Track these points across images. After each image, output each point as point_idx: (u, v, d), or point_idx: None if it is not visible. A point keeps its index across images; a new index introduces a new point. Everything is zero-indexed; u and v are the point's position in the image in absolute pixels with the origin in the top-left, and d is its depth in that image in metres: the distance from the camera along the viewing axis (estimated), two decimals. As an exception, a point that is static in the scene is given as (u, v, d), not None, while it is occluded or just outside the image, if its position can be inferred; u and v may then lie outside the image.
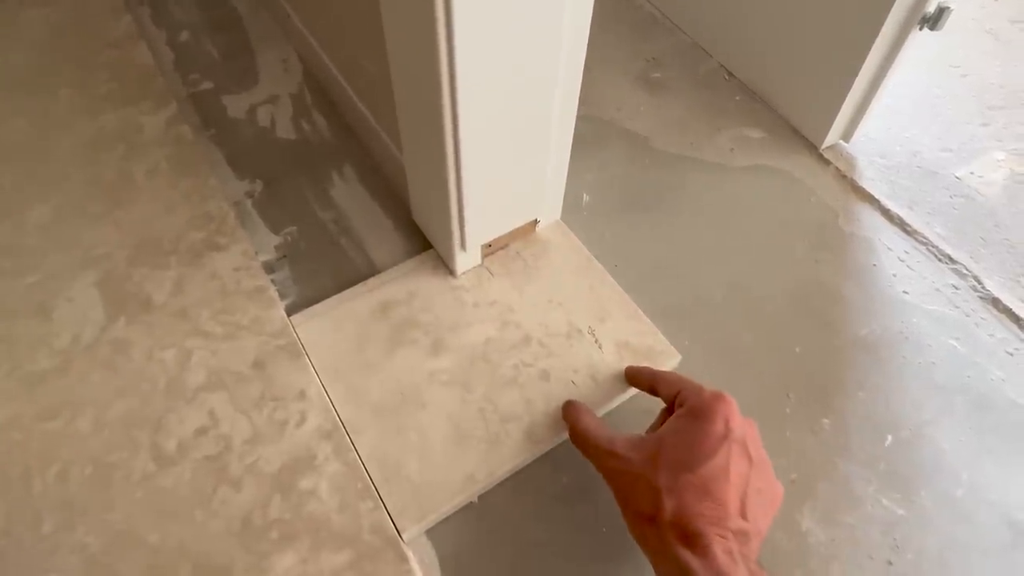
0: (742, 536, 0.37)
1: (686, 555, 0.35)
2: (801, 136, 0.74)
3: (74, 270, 0.60)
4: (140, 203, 0.65)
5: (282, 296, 0.60)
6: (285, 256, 0.63)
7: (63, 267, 0.60)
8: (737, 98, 0.78)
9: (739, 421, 0.41)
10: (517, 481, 0.51)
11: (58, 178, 0.67)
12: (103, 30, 0.80)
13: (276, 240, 0.65)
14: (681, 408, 0.42)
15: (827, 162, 0.72)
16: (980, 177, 0.72)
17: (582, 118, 0.75)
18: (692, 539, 0.36)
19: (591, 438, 0.45)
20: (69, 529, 0.47)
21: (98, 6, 0.83)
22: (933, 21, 0.58)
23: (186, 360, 0.55)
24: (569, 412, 0.49)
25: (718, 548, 0.35)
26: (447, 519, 0.49)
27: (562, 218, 0.64)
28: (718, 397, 0.41)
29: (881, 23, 0.58)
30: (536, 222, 0.61)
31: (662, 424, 0.43)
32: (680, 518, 0.37)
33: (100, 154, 0.69)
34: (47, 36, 0.80)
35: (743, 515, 0.37)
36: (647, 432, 0.46)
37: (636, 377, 0.51)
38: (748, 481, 0.39)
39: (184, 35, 0.82)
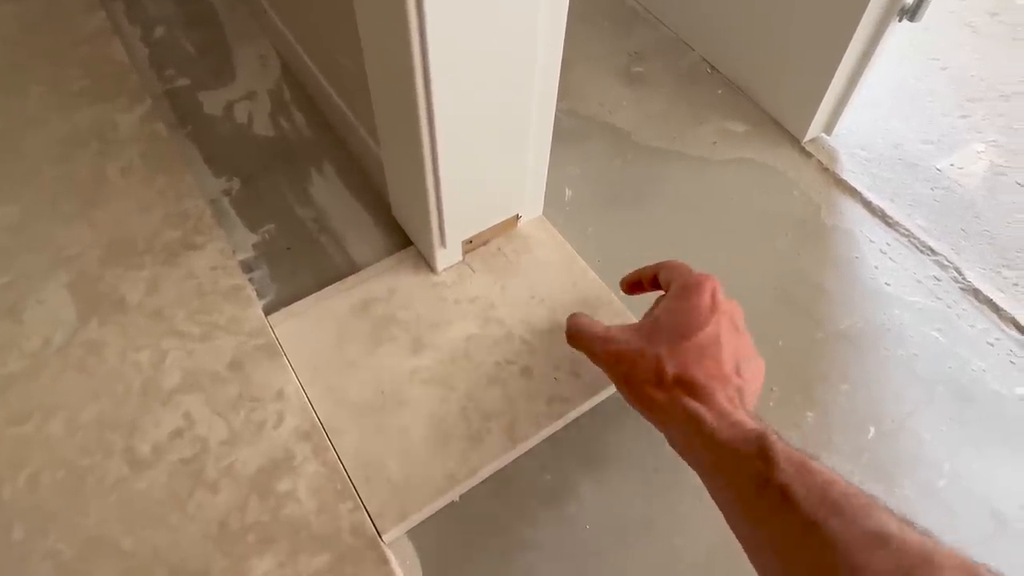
0: (740, 391, 0.40)
1: (692, 403, 0.39)
2: (783, 129, 0.74)
3: (45, 271, 0.59)
4: (114, 202, 0.64)
5: (260, 295, 0.59)
6: (264, 254, 0.62)
7: (34, 268, 0.59)
8: (719, 91, 0.77)
9: (724, 296, 0.44)
10: (500, 480, 0.50)
11: (29, 176, 0.65)
12: (76, 26, 0.79)
13: (254, 238, 0.63)
14: (672, 288, 0.45)
15: (809, 155, 0.72)
16: (960, 169, 0.72)
17: (564, 112, 0.75)
18: (696, 390, 0.39)
19: (588, 332, 0.47)
20: (40, 535, 0.46)
21: (70, 2, 0.81)
22: (912, 12, 0.58)
23: (161, 361, 0.54)
24: (569, 319, 0.51)
25: (720, 395, 0.39)
26: (429, 519, 0.48)
27: (544, 213, 0.63)
28: (705, 276, 0.45)
29: (860, 15, 0.58)
30: (518, 217, 0.61)
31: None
32: (684, 376, 0.40)
33: (73, 152, 0.67)
34: (17, 32, 0.78)
35: (738, 374, 0.41)
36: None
37: (637, 278, 0.52)
38: (737, 347, 0.42)
39: (159, 31, 0.81)
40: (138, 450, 0.50)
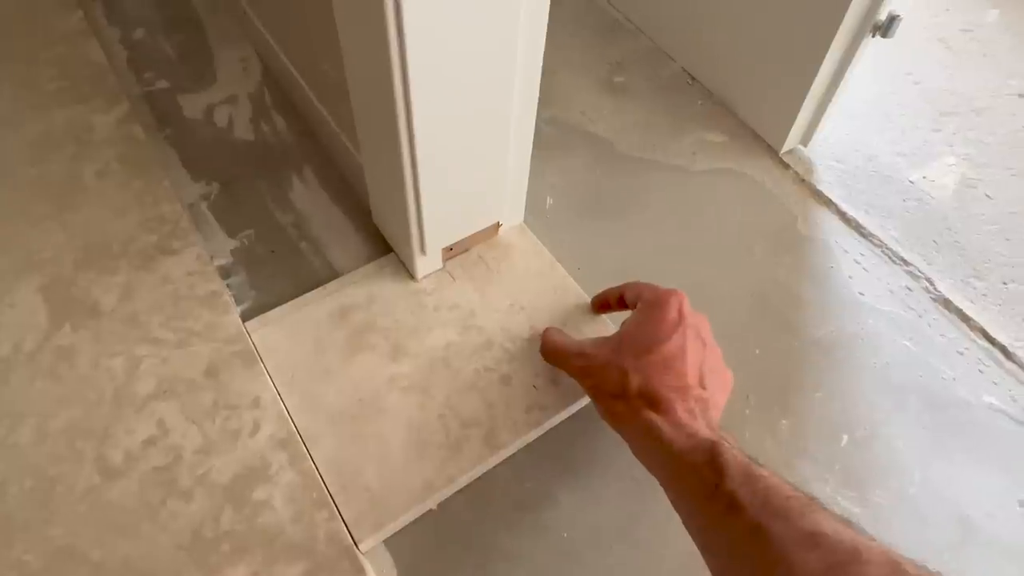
0: (702, 402, 0.42)
1: (651, 415, 0.41)
2: (761, 140, 0.75)
3: (17, 274, 0.58)
4: (89, 205, 0.63)
5: (238, 301, 0.59)
6: (242, 260, 0.61)
7: (4, 271, 0.58)
8: (699, 102, 0.78)
9: (691, 311, 0.46)
10: (478, 488, 0.50)
11: (1, 178, 0.64)
12: (52, 26, 0.77)
13: (233, 244, 0.63)
14: (639, 304, 0.47)
15: (786, 166, 0.73)
16: (932, 181, 0.74)
17: (546, 121, 0.75)
18: (656, 403, 0.41)
19: (561, 347, 0.50)
20: (6, 546, 0.45)
21: (47, 1, 0.80)
22: (884, 29, 0.60)
23: (135, 368, 0.53)
24: (543, 334, 0.54)
25: (679, 407, 0.41)
26: (406, 528, 0.48)
27: (525, 221, 0.64)
28: (671, 291, 0.46)
29: (835, 31, 0.60)
30: (499, 225, 0.61)
31: None
32: (645, 389, 0.42)
33: (47, 154, 0.66)
34: (-8, 31, 0.77)
35: (702, 386, 0.43)
36: None
37: (604, 299, 0.55)
38: (703, 360, 0.44)
39: (139, 32, 0.80)
40: (110, 458, 0.49)
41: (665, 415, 0.40)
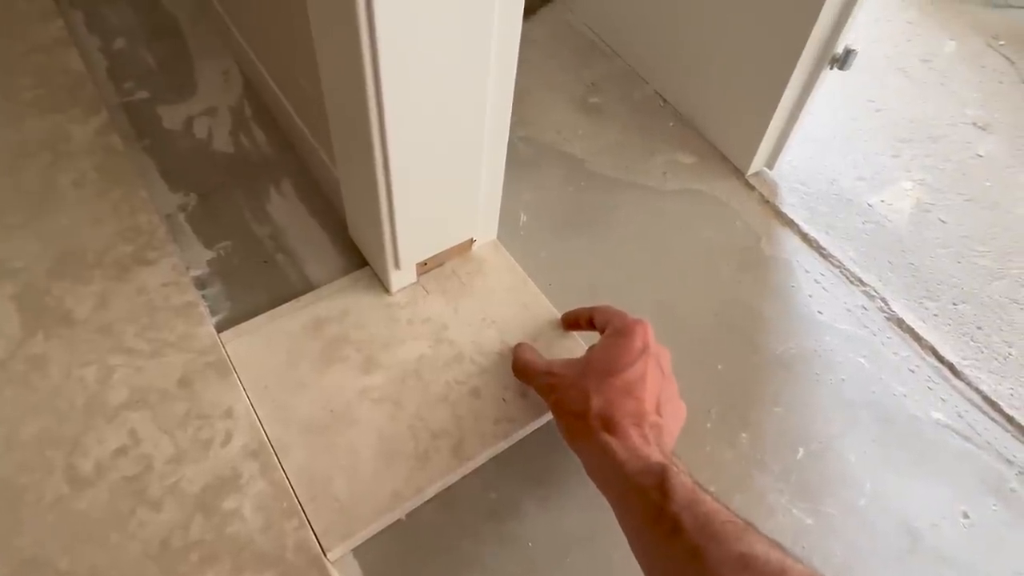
0: (656, 428, 0.44)
1: (606, 437, 0.43)
2: (729, 163, 0.77)
3: (-11, 283, 0.58)
4: (64, 214, 0.63)
5: (214, 312, 0.59)
6: (218, 271, 0.62)
7: (-23, 280, 0.58)
8: (671, 124, 0.81)
9: (655, 342, 0.48)
10: (446, 498, 0.51)
11: (-25, 186, 0.64)
12: (31, 34, 0.78)
13: (209, 255, 0.64)
14: (608, 330, 0.50)
15: (752, 188, 0.76)
16: (890, 205, 0.77)
17: (522, 139, 0.77)
18: (613, 427, 0.43)
19: (531, 365, 0.52)
20: (-28, 556, 0.45)
21: (26, 9, 0.80)
22: (841, 62, 0.63)
23: (107, 377, 0.53)
24: (515, 350, 0.55)
25: (634, 432, 0.43)
26: (374, 537, 0.49)
27: (499, 237, 0.65)
28: (638, 321, 0.49)
29: (795, 62, 0.63)
30: (472, 241, 0.62)
31: None
32: (604, 412, 0.44)
33: (22, 162, 0.66)
34: (-31, 38, 0.77)
35: (658, 412, 0.45)
36: None
37: (574, 318, 0.57)
38: (661, 389, 0.46)
39: (119, 42, 0.81)
40: (80, 468, 0.49)
41: (621, 439, 0.42)
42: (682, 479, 0.38)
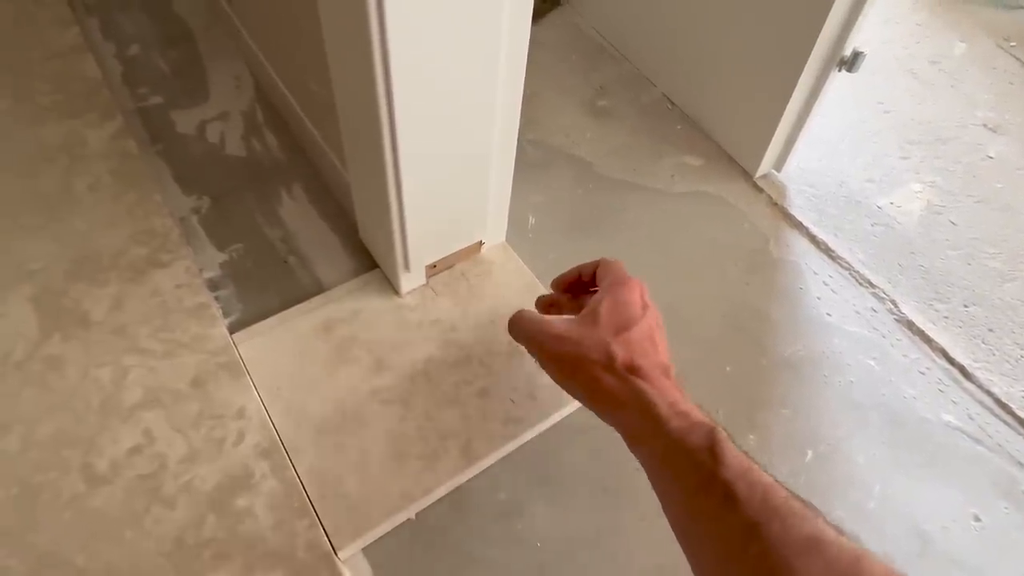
0: (669, 370, 0.42)
1: (643, 385, 0.40)
2: (737, 165, 0.78)
3: (8, 284, 0.59)
4: (81, 217, 0.64)
5: (226, 314, 0.60)
6: (231, 273, 0.63)
7: (-4, 282, 0.59)
8: (678, 127, 0.81)
9: (650, 300, 0.47)
10: (454, 498, 0.52)
11: (-6, 190, 0.65)
12: (48, 40, 0.79)
13: (222, 257, 0.64)
14: (603, 283, 0.47)
15: (760, 190, 0.76)
16: (899, 207, 0.77)
17: (530, 142, 0.78)
18: (644, 374, 0.41)
19: (533, 321, 0.47)
20: (-9, 552, 0.46)
21: (44, 17, 0.82)
22: (849, 64, 0.63)
23: (122, 378, 0.54)
24: (514, 315, 0.50)
25: (667, 383, 0.40)
26: (384, 536, 0.50)
27: (508, 239, 0.66)
28: (618, 265, 0.48)
29: (803, 64, 0.63)
30: (481, 243, 0.63)
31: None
32: (629, 361, 0.41)
33: (40, 166, 0.68)
34: (-11, 45, 0.78)
35: (666, 359, 0.43)
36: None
37: (576, 273, 0.52)
38: (664, 339, 0.45)
39: (134, 48, 0.82)
40: (95, 466, 0.50)
41: (656, 386, 0.39)
42: (731, 444, 0.35)
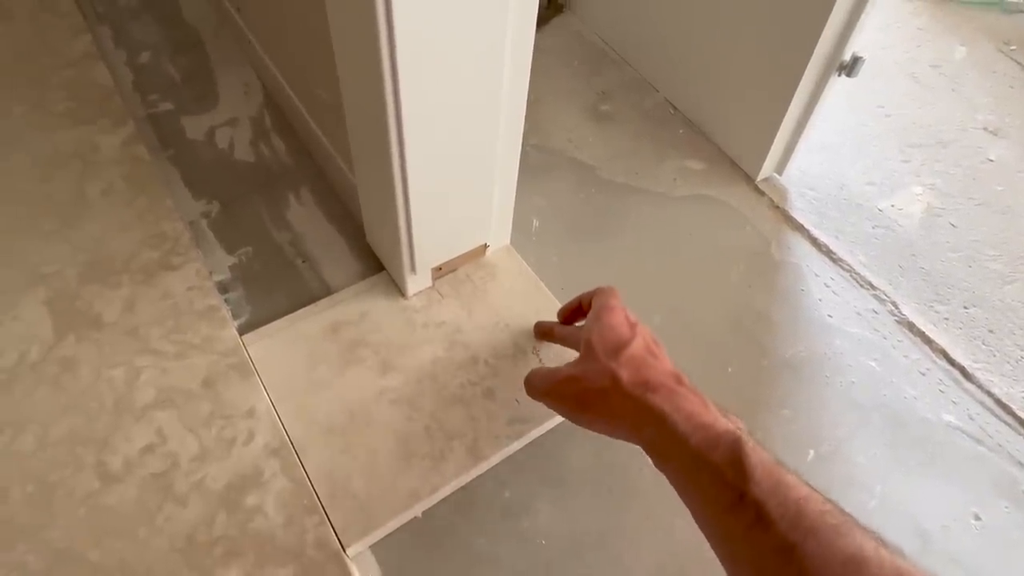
0: (681, 376, 0.42)
1: (656, 399, 0.39)
2: (738, 168, 0.78)
3: (23, 287, 0.60)
4: (93, 221, 0.65)
5: (236, 316, 0.61)
6: (240, 276, 0.64)
7: (11, 284, 0.60)
8: (680, 131, 0.82)
9: (632, 314, 0.48)
10: (461, 497, 0.53)
11: (9, 194, 0.67)
12: (61, 49, 0.81)
13: (231, 260, 0.66)
14: (589, 316, 0.48)
15: (762, 193, 0.77)
16: (900, 210, 0.77)
17: (534, 147, 0.79)
18: (655, 387, 0.40)
19: (546, 382, 0.47)
20: (8, 549, 0.47)
21: (57, 25, 0.83)
22: (849, 69, 0.64)
23: (135, 378, 0.55)
24: (528, 377, 0.50)
25: (683, 390, 0.40)
26: (392, 534, 0.51)
27: (512, 242, 0.67)
28: (605, 292, 0.49)
29: (803, 69, 0.64)
30: (486, 246, 0.64)
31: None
32: (637, 377, 0.41)
33: (54, 171, 0.69)
34: (2, 53, 0.80)
35: (672, 366, 0.43)
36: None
37: (574, 306, 0.54)
38: (663, 349, 0.45)
39: (144, 56, 0.83)
40: (109, 465, 0.51)
41: (672, 401, 0.38)
42: (759, 453, 0.32)
